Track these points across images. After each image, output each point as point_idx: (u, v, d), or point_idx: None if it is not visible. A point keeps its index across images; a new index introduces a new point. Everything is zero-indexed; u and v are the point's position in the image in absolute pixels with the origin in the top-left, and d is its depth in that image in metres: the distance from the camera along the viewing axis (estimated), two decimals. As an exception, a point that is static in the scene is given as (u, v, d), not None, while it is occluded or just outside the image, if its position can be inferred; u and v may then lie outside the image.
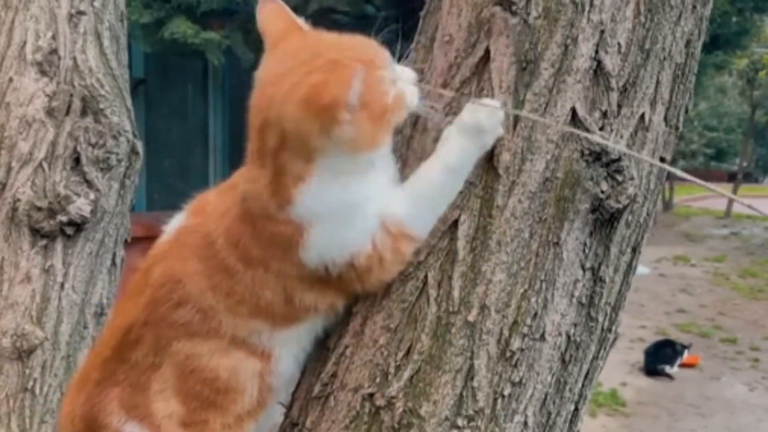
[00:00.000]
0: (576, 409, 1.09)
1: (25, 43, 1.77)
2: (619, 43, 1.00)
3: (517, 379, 1.00)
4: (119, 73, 1.86)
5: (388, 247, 1.00)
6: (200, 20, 5.87)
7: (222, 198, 1.08)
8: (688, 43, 1.06)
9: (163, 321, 1.05)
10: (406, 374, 1.00)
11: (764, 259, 11.15)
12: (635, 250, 1.09)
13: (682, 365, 6.34)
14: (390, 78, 0.97)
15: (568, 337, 1.03)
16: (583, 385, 1.08)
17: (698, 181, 0.98)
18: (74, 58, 1.78)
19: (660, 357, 6.30)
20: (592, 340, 1.07)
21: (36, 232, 1.74)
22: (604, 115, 1.00)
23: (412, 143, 1.06)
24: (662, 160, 1.08)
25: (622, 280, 1.08)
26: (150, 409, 1.05)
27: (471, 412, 0.99)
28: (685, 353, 6.38)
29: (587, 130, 0.99)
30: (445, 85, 1.03)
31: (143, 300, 1.07)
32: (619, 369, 6.11)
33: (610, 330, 1.09)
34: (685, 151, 15.88)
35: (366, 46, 0.99)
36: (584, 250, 1.02)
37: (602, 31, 1.00)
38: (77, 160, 1.76)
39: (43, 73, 1.76)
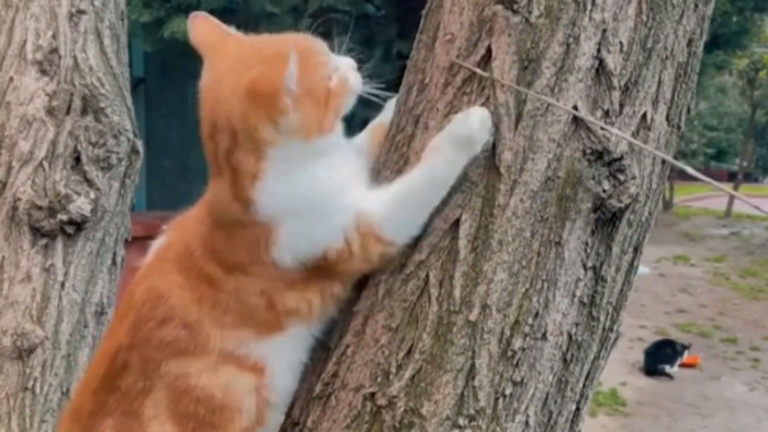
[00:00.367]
0: (577, 408, 1.09)
1: (25, 42, 1.77)
2: (621, 42, 1.00)
3: (519, 379, 1.00)
4: (119, 72, 1.85)
5: (357, 244, 1.00)
6: (200, 20, 5.87)
7: (200, 209, 1.08)
8: (690, 42, 1.06)
9: (148, 342, 1.03)
10: (408, 374, 0.99)
11: (764, 259, 11.15)
12: (637, 250, 1.09)
13: (682, 365, 6.35)
14: (331, 64, 1.00)
15: (570, 336, 1.03)
16: (584, 385, 1.08)
17: (710, 180, 0.97)
18: (74, 57, 1.78)
19: (660, 357, 6.31)
20: (594, 340, 1.06)
21: (36, 231, 1.74)
22: (606, 114, 1.00)
23: (413, 142, 1.05)
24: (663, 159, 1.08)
25: (624, 280, 1.08)
26: None
27: (472, 411, 0.99)
28: (685, 353, 6.39)
29: (589, 129, 0.99)
30: (446, 84, 1.03)
31: (127, 323, 1.06)
32: (619, 369, 6.11)
33: (611, 329, 1.09)
34: (686, 150, 15.90)
35: (300, 39, 1.02)
36: (586, 250, 1.02)
37: (604, 30, 0.99)
38: (78, 159, 1.75)
39: (43, 72, 1.76)
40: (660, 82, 1.04)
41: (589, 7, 0.99)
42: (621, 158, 0.99)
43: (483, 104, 1.00)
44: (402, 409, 0.99)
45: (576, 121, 0.99)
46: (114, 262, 1.88)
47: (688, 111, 1.10)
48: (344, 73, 1.02)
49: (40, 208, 1.73)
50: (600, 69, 1.00)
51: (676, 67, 1.05)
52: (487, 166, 1.00)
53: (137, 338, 1.04)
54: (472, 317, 0.99)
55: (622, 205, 1.00)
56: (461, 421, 0.98)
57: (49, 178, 1.74)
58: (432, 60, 1.06)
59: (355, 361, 1.03)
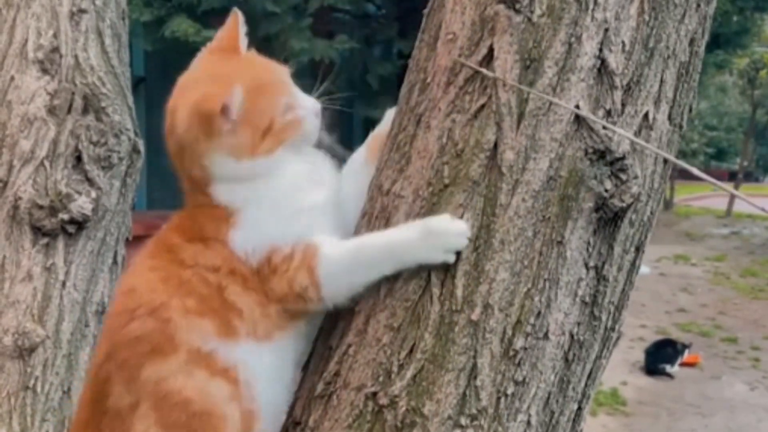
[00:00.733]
0: (579, 408, 1.09)
1: (26, 41, 1.77)
2: (623, 42, 1.00)
3: (521, 378, 1.00)
4: (120, 71, 1.86)
5: (295, 264, 1.04)
6: (201, 18, 5.87)
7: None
8: (692, 42, 1.06)
9: (121, 344, 1.05)
10: (409, 373, 0.99)
11: (765, 259, 11.15)
12: (639, 249, 1.09)
13: (683, 364, 6.35)
14: (286, 103, 1.09)
15: (572, 336, 1.03)
16: (586, 385, 1.08)
17: (714, 181, 0.97)
18: (76, 56, 1.78)
19: (660, 356, 6.30)
20: (596, 339, 1.06)
21: (37, 231, 1.74)
22: (608, 113, 1.00)
23: (415, 141, 1.05)
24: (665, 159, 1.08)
25: (626, 279, 1.08)
26: None
27: (474, 411, 0.99)
28: (686, 352, 6.38)
29: (591, 128, 0.99)
30: (448, 84, 1.03)
31: (105, 333, 1.10)
32: (619, 368, 6.11)
33: (613, 329, 1.09)
34: (686, 150, 15.90)
35: (269, 72, 1.12)
36: (588, 249, 1.02)
37: (606, 30, 0.99)
38: (79, 159, 1.76)
39: (44, 71, 1.76)
40: (662, 81, 1.04)
41: (591, 6, 0.99)
42: (623, 158, 0.99)
43: (485, 103, 1.00)
44: (404, 408, 0.99)
45: (578, 120, 0.99)
46: (115, 261, 1.88)
47: (690, 110, 1.10)
48: (301, 114, 1.10)
49: (41, 207, 1.73)
50: (602, 68, 1.00)
51: (678, 66, 1.05)
52: (489, 166, 1.00)
53: (112, 343, 1.07)
54: (474, 317, 0.99)
55: (624, 204, 1.00)
56: (463, 421, 0.98)
57: (50, 177, 1.74)
58: (434, 59, 1.06)
59: (356, 361, 1.03)
